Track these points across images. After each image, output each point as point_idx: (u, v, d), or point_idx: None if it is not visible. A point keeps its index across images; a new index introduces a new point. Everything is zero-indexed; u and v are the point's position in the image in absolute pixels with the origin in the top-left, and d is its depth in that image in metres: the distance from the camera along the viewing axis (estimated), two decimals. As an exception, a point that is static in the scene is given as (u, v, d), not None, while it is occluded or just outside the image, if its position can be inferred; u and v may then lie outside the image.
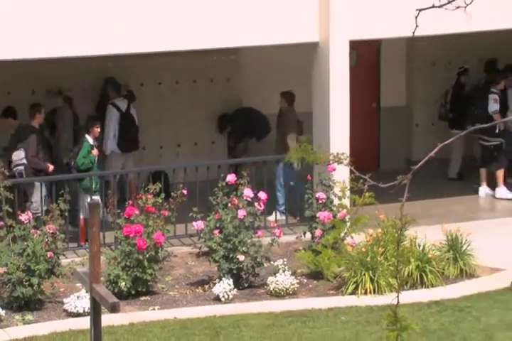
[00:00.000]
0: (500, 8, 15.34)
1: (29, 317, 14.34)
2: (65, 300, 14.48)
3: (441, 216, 17.53)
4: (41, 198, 16.24)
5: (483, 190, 19.33)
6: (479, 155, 19.69)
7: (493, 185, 19.07)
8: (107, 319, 11.57)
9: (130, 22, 15.89)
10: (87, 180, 16.60)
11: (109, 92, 18.20)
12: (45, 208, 15.95)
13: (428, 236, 15.46)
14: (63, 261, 14.99)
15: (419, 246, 15.35)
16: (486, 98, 18.93)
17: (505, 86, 19.23)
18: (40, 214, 15.68)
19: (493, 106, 18.83)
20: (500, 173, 19.24)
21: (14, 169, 16.68)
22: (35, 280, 14.37)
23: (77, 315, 14.16)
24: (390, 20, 16.01)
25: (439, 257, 15.45)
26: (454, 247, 15.55)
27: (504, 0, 13.61)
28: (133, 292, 14.89)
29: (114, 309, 9.17)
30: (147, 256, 14.84)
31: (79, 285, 13.67)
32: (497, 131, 18.63)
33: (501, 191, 19.22)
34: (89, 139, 16.93)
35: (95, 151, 16.91)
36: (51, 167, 16.90)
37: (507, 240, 15.89)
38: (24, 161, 16.66)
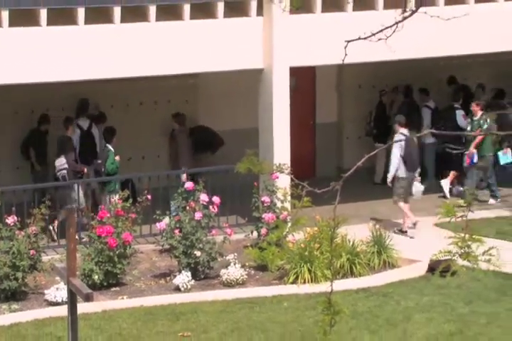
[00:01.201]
0: (414, 40, 15.46)
1: (15, 306, 14.34)
2: (45, 292, 14.47)
3: (368, 216, 17.58)
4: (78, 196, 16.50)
5: (456, 189, 19.40)
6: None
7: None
8: (82, 307, 11.52)
9: (103, 52, 15.86)
10: (112, 184, 16.89)
11: (76, 113, 18.12)
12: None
13: (357, 233, 15.56)
14: (44, 258, 14.94)
15: (350, 242, 15.44)
16: (452, 114, 19.20)
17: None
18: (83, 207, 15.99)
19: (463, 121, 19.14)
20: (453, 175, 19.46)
21: (58, 173, 16.95)
22: (19, 275, 14.37)
23: (57, 304, 14.13)
24: (323, 50, 16.08)
25: (366, 251, 15.56)
26: (379, 242, 15.66)
27: (417, 33, 13.65)
28: (105, 284, 14.89)
29: (88, 298, 9.18)
30: (117, 252, 14.84)
31: (58, 278, 13.58)
32: (463, 140, 18.73)
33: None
34: (111, 148, 17.11)
35: (118, 157, 17.18)
36: (85, 169, 17.20)
37: (423, 236, 15.95)
38: (66, 166, 16.88)
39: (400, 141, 17.14)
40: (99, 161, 17.27)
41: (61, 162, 16.99)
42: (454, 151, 19.10)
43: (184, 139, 17.93)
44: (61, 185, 16.74)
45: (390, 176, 17.26)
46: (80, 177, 17.07)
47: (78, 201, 16.38)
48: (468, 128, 18.45)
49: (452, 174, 19.21)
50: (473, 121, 18.54)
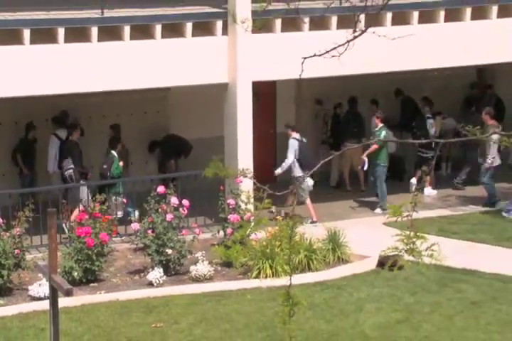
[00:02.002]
0: (364, 57, 15.52)
1: (0, 301, 14.23)
2: (29, 288, 14.36)
3: (324, 216, 17.62)
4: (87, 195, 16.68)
5: (427, 190, 19.53)
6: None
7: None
8: (63, 301, 11.48)
9: (82, 68, 15.84)
10: (116, 186, 17.01)
11: (52, 125, 18.07)
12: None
13: (314, 232, 15.59)
14: (28, 257, 14.85)
15: (307, 239, 15.45)
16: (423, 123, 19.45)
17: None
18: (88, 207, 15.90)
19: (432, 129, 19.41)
20: (427, 178, 19.57)
21: (65, 173, 17.20)
22: (5, 273, 14.28)
23: (39, 299, 14.02)
24: (283, 66, 16.12)
25: (322, 248, 15.58)
26: (333, 240, 15.68)
27: (367, 51, 13.70)
28: (83, 280, 14.81)
29: (68, 293, 9.13)
30: (95, 251, 14.77)
31: (40, 275, 13.55)
32: (433, 145, 18.81)
33: (430, 190, 19.60)
34: (115, 154, 17.26)
35: (121, 163, 17.34)
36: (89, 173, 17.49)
37: (372, 233, 16.00)
38: (72, 166, 17.11)
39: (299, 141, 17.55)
40: (105, 166, 17.27)
41: (68, 163, 17.22)
42: (424, 155, 19.21)
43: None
44: (69, 186, 17.02)
45: (277, 172, 17.72)
46: (85, 179, 17.28)
47: (82, 200, 16.52)
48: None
49: (418, 173, 19.37)
50: (375, 132, 18.68)
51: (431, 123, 19.61)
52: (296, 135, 17.69)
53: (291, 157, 17.52)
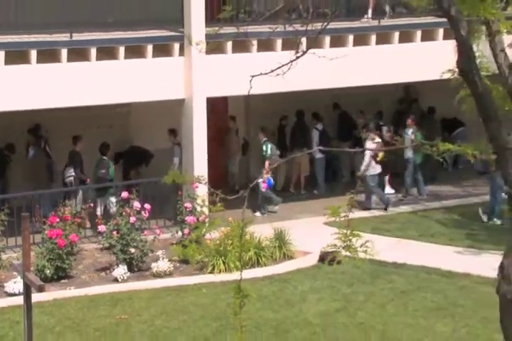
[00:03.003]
0: (306, 75, 15.55)
1: (-22, 297, 14.04)
2: (5, 285, 14.21)
3: (271, 217, 17.60)
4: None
5: (388, 189, 19.55)
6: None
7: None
8: (36, 297, 11.30)
9: (53, 85, 15.69)
10: (112, 188, 17.12)
11: (27, 136, 17.92)
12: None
13: (262, 231, 15.55)
14: (3, 256, 14.68)
15: (256, 238, 15.40)
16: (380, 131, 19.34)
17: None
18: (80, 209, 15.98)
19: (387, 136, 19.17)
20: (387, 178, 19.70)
21: (66, 180, 17.26)
22: (-18, 271, 14.11)
23: (14, 295, 13.83)
24: (234, 83, 16.10)
25: (270, 245, 15.56)
26: (280, 238, 15.67)
27: (308, 69, 13.72)
28: (55, 277, 14.66)
29: (40, 289, 9.01)
30: (65, 251, 14.63)
31: (15, 273, 13.30)
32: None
33: (390, 190, 19.61)
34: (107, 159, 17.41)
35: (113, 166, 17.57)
36: (88, 179, 17.47)
37: (313, 232, 16.00)
38: (73, 174, 17.21)
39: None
40: (103, 171, 17.28)
41: (69, 171, 17.27)
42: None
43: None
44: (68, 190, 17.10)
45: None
46: (84, 185, 17.40)
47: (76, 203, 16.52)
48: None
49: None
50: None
51: (386, 129, 19.67)
52: (174, 140, 17.79)
53: (176, 162, 17.57)
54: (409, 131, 19.06)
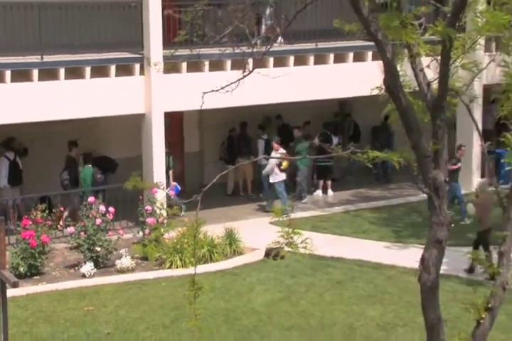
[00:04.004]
0: (252, 91, 15.56)
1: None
2: (-17, 281, 13.96)
3: (222, 218, 17.57)
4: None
5: (318, 193, 19.58)
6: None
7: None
8: (11, 292, 11.14)
9: (26, 102, 15.52)
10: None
11: (1, 148, 17.56)
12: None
13: (215, 230, 15.50)
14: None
15: (209, 237, 15.36)
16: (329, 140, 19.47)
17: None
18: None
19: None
20: (329, 182, 19.66)
21: (64, 183, 17.22)
22: (-40, 269, 13.82)
23: (-8, 290, 13.63)
24: (188, 99, 16.06)
25: (221, 243, 15.51)
26: (230, 236, 15.64)
27: (254, 87, 13.73)
28: (28, 274, 14.46)
29: (15, 285, 8.90)
30: (37, 250, 14.44)
31: (-7, 270, 13.15)
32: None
33: (331, 193, 19.63)
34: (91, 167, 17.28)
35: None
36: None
37: (260, 231, 16.01)
38: (68, 177, 17.20)
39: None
40: (99, 175, 17.20)
41: (65, 174, 17.22)
42: (323, 163, 19.31)
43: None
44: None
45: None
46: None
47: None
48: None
49: (322, 183, 19.57)
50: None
51: (337, 139, 19.74)
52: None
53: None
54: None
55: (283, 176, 18.25)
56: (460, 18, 7.15)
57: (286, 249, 6.86)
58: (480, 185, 15.17)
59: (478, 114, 18.70)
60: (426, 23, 8.14)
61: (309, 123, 20.58)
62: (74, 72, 16.11)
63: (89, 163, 17.41)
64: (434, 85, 7.49)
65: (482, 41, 9.93)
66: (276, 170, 18.06)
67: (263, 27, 17.70)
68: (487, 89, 18.15)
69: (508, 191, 7.85)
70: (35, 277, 14.57)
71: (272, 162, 17.89)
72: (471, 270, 14.37)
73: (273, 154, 18.05)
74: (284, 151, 18.22)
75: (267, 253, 15.42)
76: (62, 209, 15.62)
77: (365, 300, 13.65)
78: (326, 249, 15.39)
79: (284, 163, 18.01)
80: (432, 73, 7.71)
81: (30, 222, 14.62)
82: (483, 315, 7.63)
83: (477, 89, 16.90)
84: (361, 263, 15.32)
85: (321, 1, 16.13)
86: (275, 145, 18.18)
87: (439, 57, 7.40)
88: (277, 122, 20.62)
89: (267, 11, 17.75)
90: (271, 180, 18.21)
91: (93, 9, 16.12)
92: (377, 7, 7.30)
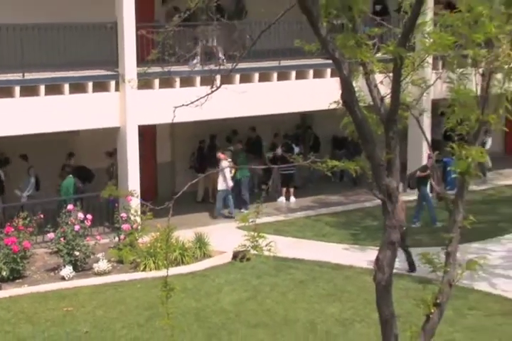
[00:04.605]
0: (220, 106, 15.47)
1: None
2: (-31, 283, 13.78)
3: (193, 223, 17.51)
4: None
5: (281, 199, 19.55)
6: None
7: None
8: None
9: (8, 116, 15.37)
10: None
11: None
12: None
13: (186, 235, 15.46)
14: (-33, 260, 14.27)
15: (181, 241, 15.30)
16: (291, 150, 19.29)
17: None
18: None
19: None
20: (291, 189, 19.63)
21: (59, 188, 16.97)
22: None
23: (-23, 292, 13.45)
24: (160, 113, 16.02)
25: (192, 247, 15.47)
26: (200, 240, 15.60)
27: (222, 101, 13.70)
28: (10, 277, 14.32)
29: (-2, 287, 8.75)
30: (19, 255, 14.30)
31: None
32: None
33: (293, 200, 19.59)
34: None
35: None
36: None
37: (228, 235, 15.97)
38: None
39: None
40: (80, 185, 17.12)
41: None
42: (284, 171, 19.17)
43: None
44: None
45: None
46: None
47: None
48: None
49: (285, 190, 19.54)
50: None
51: (298, 149, 19.78)
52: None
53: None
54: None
55: (230, 184, 18.18)
56: (409, 38, 7.22)
57: (252, 251, 6.85)
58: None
59: (427, 126, 18.90)
60: (379, 42, 8.20)
61: (278, 135, 20.62)
62: (53, 88, 16.01)
63: (70, 174, 17.25)
64: (387, 100, 7.55)
65: (430, 60, 10.05)
66: (224, 177, 18.05)
67: (198, 48, 17.64)
68: (435, 104, 18.35)
69: (454, 196, 7.94)
70: (17, 280, 14.41)
71: (225, 171, 17.81)
72: (411, 266, 14.49)
73: (223, 164, 18.05)
74: (230, 160, 18.21)
75: (234, 256, 15.39)
76: (41, 216, 15.41)
77: (326, 298, 13.68)
78: (288, 251, 15.40)
79: (233, 171, 18.03)
80: (384, 89, 7.77)
81: (13, 229, 14.48)
82: (432, 310, 7.69)
83: (426, 103, 17.07)
84: (321, 264, 15.36)
85: (283, 23, 16.27)
86: (221, 156, 18.22)
87: (391, 74, 7.47)
88: (251, 134, 20.62)
89: (206, 33, 17.68)
90: (218, 188, 18.11)
91: (71, 30, 16.03)
92: (334, 28, 7.35)
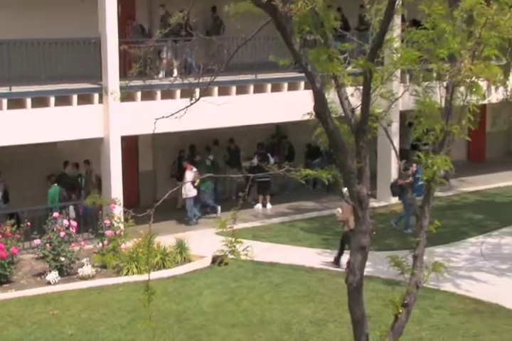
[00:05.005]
0: (199, 117, 15.42)
1: None
2: (-43, 288, 13.59)
3: (173, 229, 17.43)
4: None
5: (258, 206, 19.45)
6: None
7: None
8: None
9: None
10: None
11: None
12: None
13: (167, 240, 15.38)
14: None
15: (162, 246, 15.21)
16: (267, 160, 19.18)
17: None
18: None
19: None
20: (268, 197, 19.56)
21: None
22: None
23: (-35, 296, 13.27)
24: (142, 124, 15.95)
25: (173, 251, 15.38)
26: (180, 246, 15.51)
27: (201, 113, 13.68)
28: (-2, 282, 14.15)
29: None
30: (7, 261, 14.14)
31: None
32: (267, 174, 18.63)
33: (270, 207, 19.53)
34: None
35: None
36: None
37: (207, 240, 15.92)
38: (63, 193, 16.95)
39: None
40: (65, 194, 16.94)
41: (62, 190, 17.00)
42: (260, 179, 19.06)
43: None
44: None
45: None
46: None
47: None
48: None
49: (261, 197, 19.45)
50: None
51: (274, 159, 19.75)
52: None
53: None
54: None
55: (195, 192, 18.10)
56: (378, 53, 7.28)
57: (230, 256, 6.83)
58: (345, 195, 15.42)
59: (395, 136, 19.00)
60: (349, 57, 8.25)
61: (262, 144, 20.56)
62: (40, 101, 15.89)
63: (54, 183, 17.11)
64: (358, 111, 7.59)
65: (397, 73, 10.11)
66: (191, 186, 18.00)
67: (164, 61, 17.63)
68: (402, 115, 18.45)
69: (421, 203, 7.98)
70: (4, 285, 14.24)
71: (188, 180, 17.78)
72: (336, 262, 15.11)
73: (188, 174, 18.00)
74: (196, 170, 18.16)
75: (213, 260, 15.34)
76: (28, 223, 15.28)
77: (300, 299, 13.67)
78: (265, 256, 15.39)
79: (197, 181, 18.00)
80: (355, 101, 7.81)
81: (0, 236, 14.32)
82: (401, 310, 7.73)
83: (394, 114, 17.13)
84: (296, 267, 15.35)
85: (259, 38, 16.33)
86: (187, 166, 18.19)
87: (361, 87, 7.51)
88: (230, 145, 20.61)
89: (165, 48, 17.68)
90: (184, 196, 18.00)
91: (57, 45, 15.93)
92: (307, 43, 7.39)
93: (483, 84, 8.19)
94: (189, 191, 18.05)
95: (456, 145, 22.23)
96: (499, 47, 7.54)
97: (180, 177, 19.37)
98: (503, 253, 16.26)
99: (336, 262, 15.22)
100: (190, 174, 17.97)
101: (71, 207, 16.69)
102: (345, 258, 13.89)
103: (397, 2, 7.06)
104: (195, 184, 17.93)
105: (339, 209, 15.40)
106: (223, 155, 19.96)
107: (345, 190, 14.44)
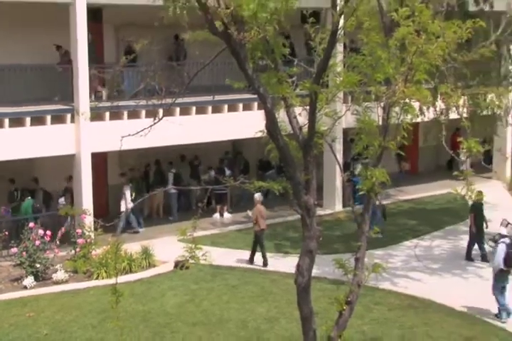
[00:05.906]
0: (162, 136, 15.25)
1: None
2: None
3: (139, 237, 17.16)
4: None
5: (216, 215, 19.22)
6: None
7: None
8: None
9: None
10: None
11: None
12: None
13: (133, 247, 15.14)
14: None
15: (129, 252, 14.95)
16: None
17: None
18: None
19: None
20: (225, 207, 19.38)
21: (58, 207, 16.39)
22: None
23: None
24: (110, 142, 15.53)
25: (139, 257, 15.14)
26: (146, 252, 15.27)
27: (164, 132, 13.53)
28: (-23, 287, 13.72)
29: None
30: (-15, 267, 13.74)
31: None
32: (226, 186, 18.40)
33: (227, 216, 19.32)
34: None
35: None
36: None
37: (170, 247, 15.63)
38: (64, 202, 16.65)
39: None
40: (38, 205, 16.54)
41: (61, 200, 16.81)
42: (218, 192, 18.90)
43: None
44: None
45: None
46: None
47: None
48: None
49: (219, 207, 19.27)
50: None
51: (208, 175, 19.68)
52: None
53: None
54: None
55: (132, 205, 17.62)
56: (323, 77, 7.31)
57: (191, 261, 6.75)
58: (257, 198, 15.47)
59: (338, 151, 19.12)
60: (297, 80, 8.27)
61: (223, 160, 20.41)
62: (17, 121, 15.62)
63: (28, 196, 16.78)
64: (305, 129, 7.60)
65: (340, 95, 10.18)
66: (129, 199, 17.70)
67: (125, 83, 17.41)
68: (345, 132, 18.62)
69: (361, 211, 8.01)
70: (-17, 290, 13.83)
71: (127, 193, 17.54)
72: (251, 261, 15.31)
73: (124, 188, 17.73)
74: (131, 185, 17.76)
75: (176, 265, 15.15)
76: (6, 233, 14.88)
77: (255, 299, 13.58)
78: (223, 260, 15.26)
79: (133, 194, 17.79)
80: (302, 119, 7.82)
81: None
82: (344, 307, 7.73)
83: (337, 131, 17.27)
84: (251, 270, 15.26)
85: (216, 63, 16.31)
86: (125, 182, 17.89)
87: (307, 107, 7.53)
88: (194, 161, 20.44)
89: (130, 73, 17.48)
90: (123, 209, 17.50)
91: (32, 71, 15.74)
92: (259, 68, 7.38)
93: (415, 104, 8.29)
94: (128, 204, 17.75)
95: (392, 159, 22.44)
96: (428, 72, 7.66)
97: (155, 185, 19.10)
98: (434, 255, 16.51)
99: (251, 261, 15.40)
100: (125, 188, 17.81)
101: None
102: (257, 256, 14.33)
103: (338, 32, 7.10)
104: (132, 197, 17.60)
105: (249, 212, 15.95)
106: (188, 169, 19.71)
107: (256, 195, 15.01)
